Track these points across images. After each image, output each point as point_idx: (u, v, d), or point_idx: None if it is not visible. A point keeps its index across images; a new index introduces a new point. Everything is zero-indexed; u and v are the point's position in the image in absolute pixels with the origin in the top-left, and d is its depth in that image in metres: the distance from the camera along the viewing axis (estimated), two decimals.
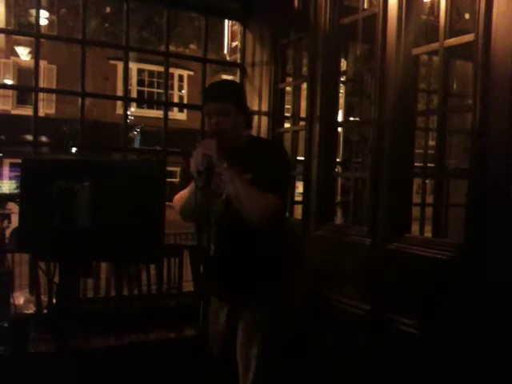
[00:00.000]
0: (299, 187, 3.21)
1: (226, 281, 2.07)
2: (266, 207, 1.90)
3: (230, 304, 2.10)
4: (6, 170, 14.03)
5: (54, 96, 16.82)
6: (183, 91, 20.22)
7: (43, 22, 9.54)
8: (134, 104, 17.88)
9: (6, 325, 2.53)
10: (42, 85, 11.19)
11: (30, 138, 3.14)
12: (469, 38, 2.07)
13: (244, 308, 2.05)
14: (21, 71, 16.52)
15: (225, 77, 17.78)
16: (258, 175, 1.93)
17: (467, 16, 3.35)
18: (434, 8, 3.35)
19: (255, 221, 1.90)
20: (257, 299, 2.03)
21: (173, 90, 19.26)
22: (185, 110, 18.32)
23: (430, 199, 3.03)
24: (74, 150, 3.73)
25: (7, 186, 13.55)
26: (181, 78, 19.96)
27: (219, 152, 1.89)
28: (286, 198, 2.12)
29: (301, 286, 2.78)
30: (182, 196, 2.11)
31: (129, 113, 3.96)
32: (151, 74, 19.14)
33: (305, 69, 3.23)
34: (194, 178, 1.93)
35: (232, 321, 2.09)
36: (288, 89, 3.41)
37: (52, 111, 17.08)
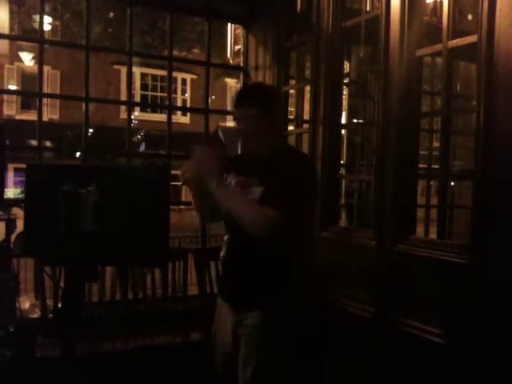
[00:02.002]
0: None
1: (234, 286, 2.04)
2: (264, 224, 1.82)
3: (236, 310, 2.03)
4: (10, 175, 14.09)
5: (58, 101, 16.91)
6: (186, 95, 20.28)
7: (47, 27, 9.60)
8: (138, 108, 17.94)
9: (11, 329, 2.54)
10: (45, 90, 11.24)
11: (34, 143, 3.15)
12: (472, 38, 2.06)
13: (247, 317, 1.98)
14: (25, 77, 16.62)
15: (228, 80, 17.88)
16: (270, 188, 1.87)
17: (470, 17, 3.35)
18: (436, 9, 3.35)
19: (255, 235, 1.85)
20: (261, 310, 1.95)
21: (176, 93, 19.32)
22: (188, 114, 18.38)
23: (434, 200, 3.02)
24: (78, 154, 3.74)
25: (12, 190, 13.59)
26: (184, 81, 20.02)
27: (210, 166, 1.88)
28: (301, 212, 1.97)
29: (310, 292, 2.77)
30: None
31: (132, 117, 3.97)
32: (154, 78, 19.21)
33: (308, 71, 3.24)
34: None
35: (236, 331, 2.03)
36: (291, 91, 3.41)
37: (56, 116, 17.15)
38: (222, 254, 2.11)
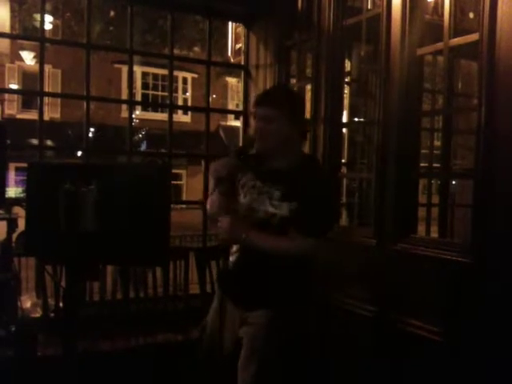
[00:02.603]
0: None
1: (244, 285, 2.01)
2: (297, 253, 1.92)
3: (242, 308, 2.02)
4: (11, 175, 14.10)
5: (59, 100, 16.90)
6: (187, 94, 20.28)
7: (48, 26, 9.58)
8: (139, 107, 17.95)
9: (13, 329, 2.54)
10: (46, 89, 11.25)
11: (35, 142, 3.15)
12: (473, 37, 2.06)
13: (253, 316, 1.98)
14: (26, 76, 16.61)
15: (229, 79, 17.88)
16: (301, 209, 1.87)
17: (471, 15, 3.34)
18: (437, 7, 3.34)
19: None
20: (269, 309, 1.96)
21: (177, 92, 19.30)
22: (189, 113, 18.38)
23: (436, 199, 3.02)
24: (79, 153, 3.74)
25: (13, 190, 13.61)
26: (185, 80, 20.01)
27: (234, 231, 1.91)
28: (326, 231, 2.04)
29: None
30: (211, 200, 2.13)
31: (134, 116, 3.97)
32: (155, 77, 19.20)
33: (309, 70, 3.23)
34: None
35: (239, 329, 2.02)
36: None
37: (57, 115, 17.15)
38: (233, 253, 2.08)
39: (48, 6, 8.66)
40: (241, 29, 4.06)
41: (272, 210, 1.90)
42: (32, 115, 12.66)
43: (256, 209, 1.94)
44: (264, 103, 1.93)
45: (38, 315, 2.95)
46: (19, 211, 2.60)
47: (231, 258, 2.08)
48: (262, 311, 1.96)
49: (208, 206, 2.15)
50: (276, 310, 1.95)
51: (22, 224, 2.18)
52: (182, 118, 17.25)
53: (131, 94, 3.52)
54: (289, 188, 1.89)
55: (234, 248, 2.05)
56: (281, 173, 1.93)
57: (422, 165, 3.05)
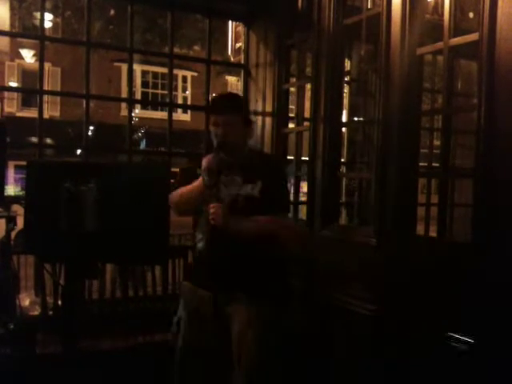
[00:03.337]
0: (304, 187, 3.20)
1: (212, 270, 2.09)
2: (291, 230, 2.29)
3: (225, 289, 2.10)
4: (11, 173, 14.08)
5: (58, 98, 16.89)
6: (187, 92, 20.26)
7: (48, 24, 9.54)
8: (139, 106, 17.92)
9: (12, 327, 2.54)
10: (46, 87, 11.25)
11: (35, 140, 3.15)
12: (473, 37, 2.06)
13: (235, 304, 2.09)
14: (25, 74, 16.60)
15: (229, 78, 17.87)
16: (268, 191, 2.11)
17: (471, 15, 3.34)
18: (437, 7, 3.34)
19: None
20: (248, 297, 2.09)
21: (177, 91, 19.29)
22: (189, 111, 18.37)
23: (435, 199, 3.02)
24: (78, 152, 3.74)
25: (12, 188, 13.59)
26: (185, 79, 20.00)
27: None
28: None
29: (308, 288, 2.80)
30: (182, 192, 2.19)
31: (133, 114, 3.97)
32: (155, 75, 19.18)
33: (309, 69, 3.23)
34: (203, 176, 2.06)
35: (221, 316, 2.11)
36: (292, 89, 3.40)
37: (57, 113, 17.14)
38: (199, 240, 2.14)
39: (48, 4, 8.65)
40: (241, 28, 4.06)
41: (235, 192, 2.12)
42: (32, 113, 12.65)
43: (222, 197, 2.11)
44: (224, 111, 2.16)
45: (36, 313, 2.95)
46: (18, 209, 2.60)
47: (199, 245, 2.15)
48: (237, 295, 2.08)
49: (177, 196, 2.22)
50: (251, 294, 2.08)
51: (20, 222, 2.18)
52: (181, 116, 17.24)
53: (131, 92, 3.52)
54: (248, 173, 2.14)
55: (200, 236, 2.14)
56: (239, 164, 2.17)
57: (421, 164, 3.05)
